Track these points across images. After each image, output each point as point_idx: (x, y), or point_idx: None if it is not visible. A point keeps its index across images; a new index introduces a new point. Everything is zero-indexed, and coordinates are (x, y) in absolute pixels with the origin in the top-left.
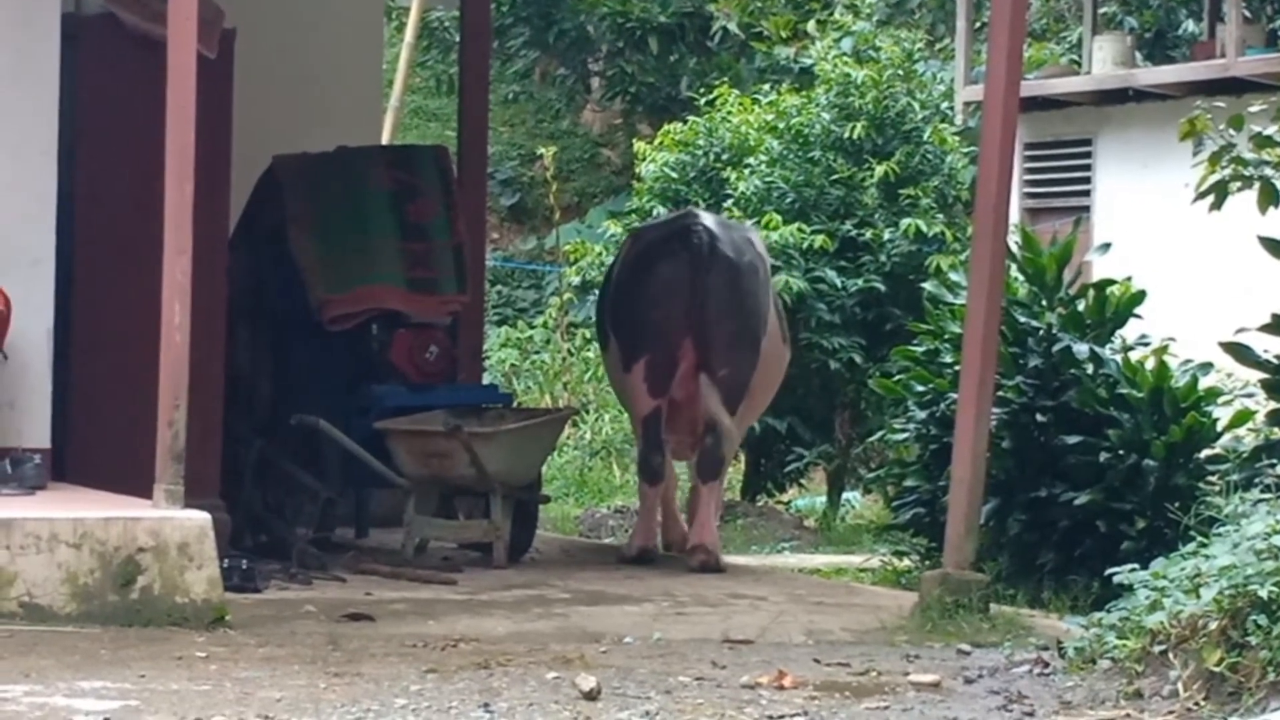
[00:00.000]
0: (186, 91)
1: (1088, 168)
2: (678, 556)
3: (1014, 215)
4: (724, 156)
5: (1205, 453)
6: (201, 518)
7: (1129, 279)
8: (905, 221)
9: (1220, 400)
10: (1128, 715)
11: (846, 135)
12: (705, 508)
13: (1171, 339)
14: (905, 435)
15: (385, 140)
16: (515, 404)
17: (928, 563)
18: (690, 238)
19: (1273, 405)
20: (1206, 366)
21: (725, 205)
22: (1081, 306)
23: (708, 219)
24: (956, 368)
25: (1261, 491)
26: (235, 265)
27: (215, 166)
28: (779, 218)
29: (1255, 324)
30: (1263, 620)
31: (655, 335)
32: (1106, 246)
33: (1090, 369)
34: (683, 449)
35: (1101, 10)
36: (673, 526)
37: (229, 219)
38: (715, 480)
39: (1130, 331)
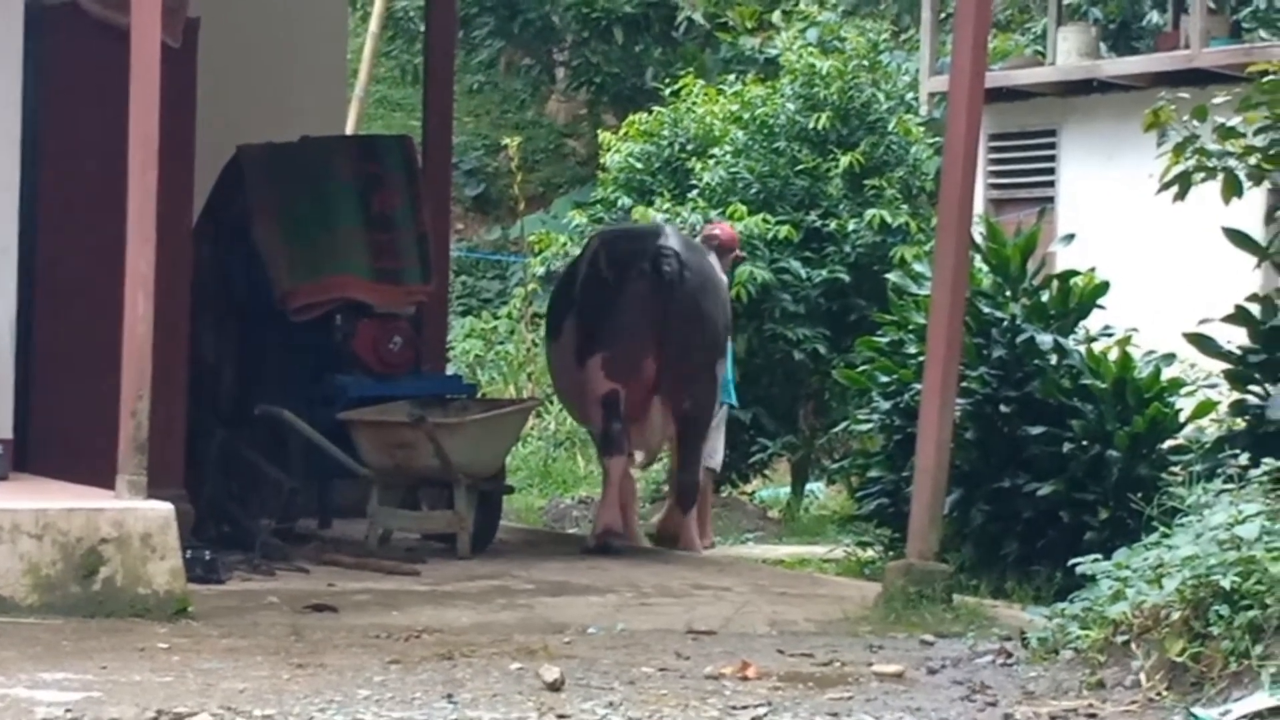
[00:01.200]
0: (150, 80)
1: (1052, 159)
2: (640, 547)
3: (978, 206)
4: (689, 147)
5: (1168, 443)
6: (164, 508)
7: (1093, 270)
8: (870, 212)
9: (1183, 391)
10: (1090, 705)
11: (811, 126)
12: (687, 531)
13: (1135, 330)
14: (869, 426)
15: (350, 130)
16: (479, 395)
17: (891, 553)
18: (661, 264)
19: (1235, 396)
20: (1170, 357)
21: (690, 196)
22: (1045, 297)
23: (676, 239)
24: (921, 358)
25: (1224, 482)
26: (199, 255)
27: (179, 156)
28: (744, 208)
29: (1219, 315)
30: (1225, 610)
31: (618, 339)
32: (1070, 237)
33: (1054, 360)
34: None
35: (1066, 1)
36: (628, 522)
37: (193, 209)
38: (693, 507)
39: (1094, 322)
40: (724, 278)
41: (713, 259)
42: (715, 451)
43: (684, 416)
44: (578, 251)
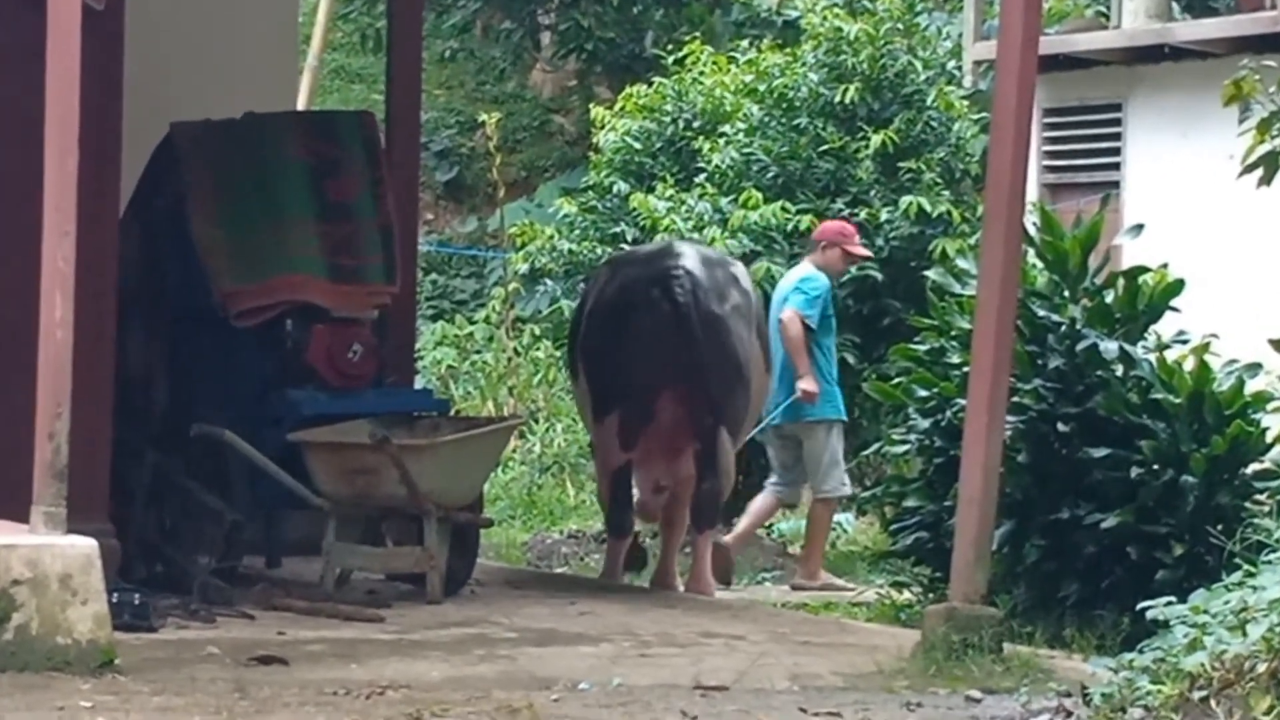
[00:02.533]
0: (70, 50)
1: (1117, 136)
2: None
3: (1032, 192)
4: (695, 124)
5: (1252, 467)
6: (87, 545)
7: (1165, 266)
8: (905, 200)
9: (1270, 407)
10: None
11: (837, 99)
12: (702, 560)
13: (1214, 336)
14: (906, 448)
15: (301, 105)
16: (453, 412)
17: (931, 595)
18: (672, 286)
19: None
20: (1254, 368)
21: (697, 181)
22: (1110, 298)
23: (690, 258)
24: (965, 369)
25: None
26: (127, 251)
27: (103, 137)
28: (759, 195)
29: None
30: None
31: (631, 389)
32: (1139, 228)
33: (1120, 370)
34: (648, 507)
35: None
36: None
37: (120, 197)
38: (712, 528)
39: (1166, 327)
40: (752, 291)
41: (740, 275)
42: (830, 478)
43: (705, 429)
44: (567, 246)
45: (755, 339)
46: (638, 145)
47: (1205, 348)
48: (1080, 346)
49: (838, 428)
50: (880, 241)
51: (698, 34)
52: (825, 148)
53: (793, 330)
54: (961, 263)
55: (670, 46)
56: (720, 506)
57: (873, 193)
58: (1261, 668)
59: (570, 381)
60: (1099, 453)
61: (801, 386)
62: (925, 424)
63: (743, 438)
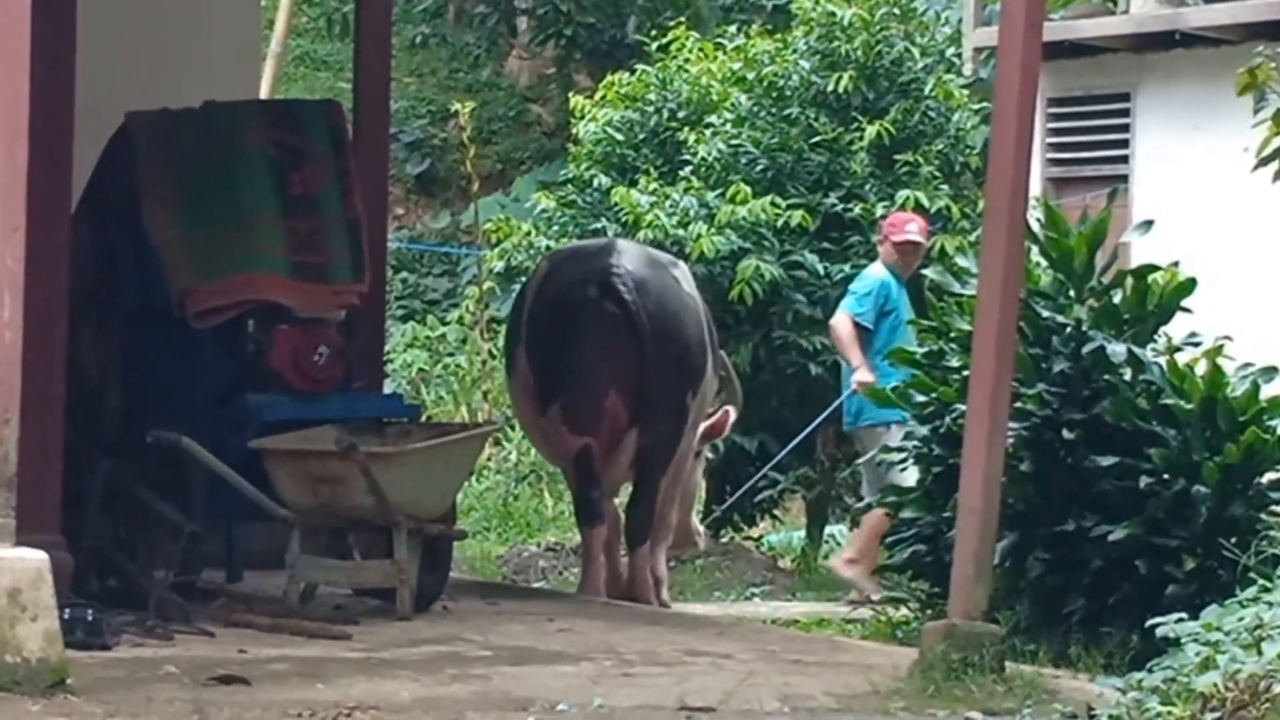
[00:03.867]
0: (18, 32)
1: (1125, 128)
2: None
3: (1035, 187)
4: (680, 114)
5: (1268, 477)
6: (37, 558)
7: (1175, 264)
8: (902, 194)
9: None
10: None
11: (830, 88)
12: (641, 579)
13: (1228, 338)
14: (902, 456)
15: (264, 93)
16: (424, 418)
17: (929, 612)
18: (614, 286)
19: None
20: (1270, 372)
21: (682, 174)
22: (1117, 298)
23: (630, 257)
24: (965, 373)
25: None
26: (79, 247)
27: (55, 127)
28: (748, 189)
29: None
30: None
31: (574, 382)
32: (1148, 224)
33: (1128, 374)
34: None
35: None
36: (614, 578)
37: (71, 191)
38: (644, 545)
39: (1177, 329)
40: (695, 293)
41: (682, 276)
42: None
43: (642, 450)
44: (545, 243)
45: (707, 344)
46: (619, 136)
47: (1218, 350)
48: (1086, 349)
49: (898, 430)
50: (875, 238)
51: (683, 19)
52: (817, 139)
53: (840, 330)
54: (961, 261)
55: (654, 32)
56: (647, 522)
57: (867, 187)
58: (1277, 688)
59: (506, 380)
60: (1106, 461)
61: (856, 379)
62: (923, 431)
63: (689, 440)
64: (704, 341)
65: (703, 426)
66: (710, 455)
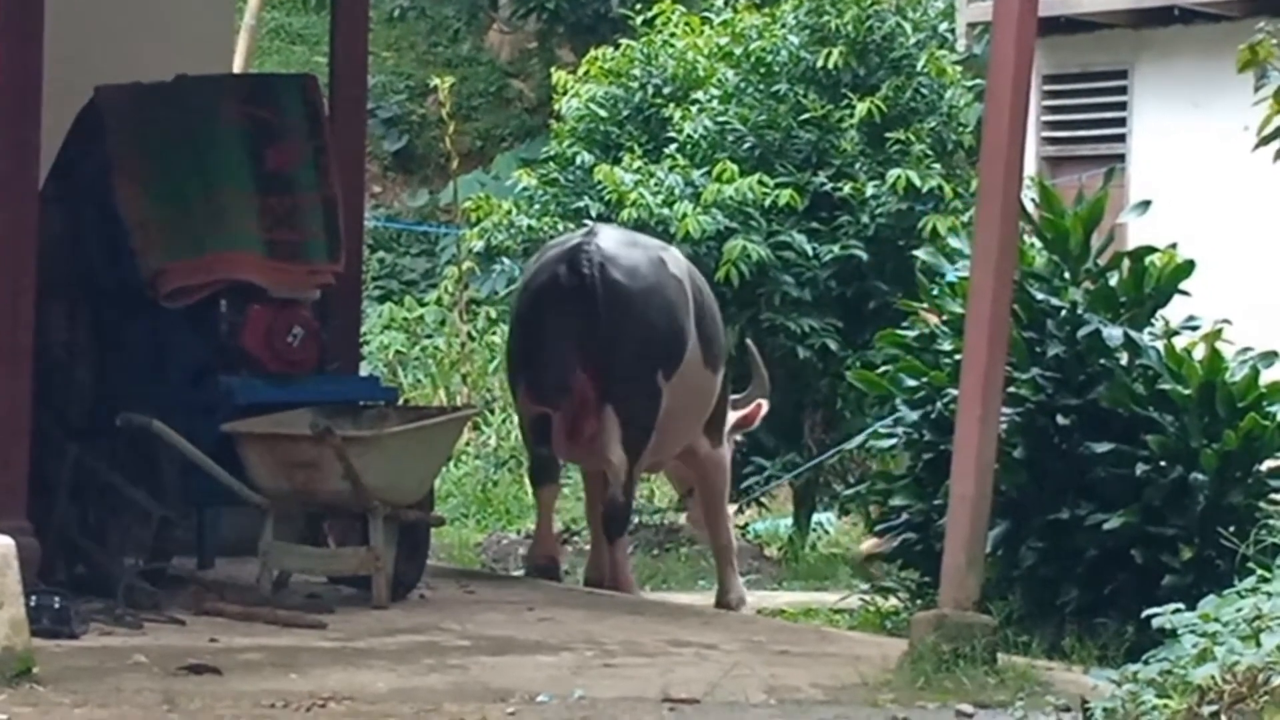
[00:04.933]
0: None
1: (1123, 106)
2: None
3: (1030, 166)
4: (665, 90)
5: (1267, 464)
6: (3, 544)
7: (1173, 246)
8: (893, 173)
9: None
10: None
11: (820, 64)
12: (619, 569)
13: (1226, 321)
14: (892, 442)
15: (237, 67)
16: (401, 401)
17: (920, 602)
18: (579, 260)
19: None
20: (1270, 357)
21: (667, 152)
22: (1114, 281)
23: (608, 238)
24: (957, 357)
25: None
26: (47, 225)
27: (22, 101)
28: (734, 168)
29: None
30: None
31: (536, 356)
32: (1146, 205)
33: (1124, 359)
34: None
35: None
36: (544, 543)
37: (39, 166)
38: (621, 537)
39: (1175, 312)
40: (685, 276)
41: (671, 259)
42: None
43: (621, 421)
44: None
45: (690, 327)
46: (603, 113)
47: (1217, 334)
48: (1082, 333)
49: None
50: (866, 218)
51: None
52: (806, 116)
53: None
54: (954, 242)
55: (638, 6)
56: (624, 513)
57: (858, 165)
58: (1276, 680)
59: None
60: (1102, 448)
61: None
62: (914, 416)
63: (678, 437)
64: (681, 324)
65: (733, 417)
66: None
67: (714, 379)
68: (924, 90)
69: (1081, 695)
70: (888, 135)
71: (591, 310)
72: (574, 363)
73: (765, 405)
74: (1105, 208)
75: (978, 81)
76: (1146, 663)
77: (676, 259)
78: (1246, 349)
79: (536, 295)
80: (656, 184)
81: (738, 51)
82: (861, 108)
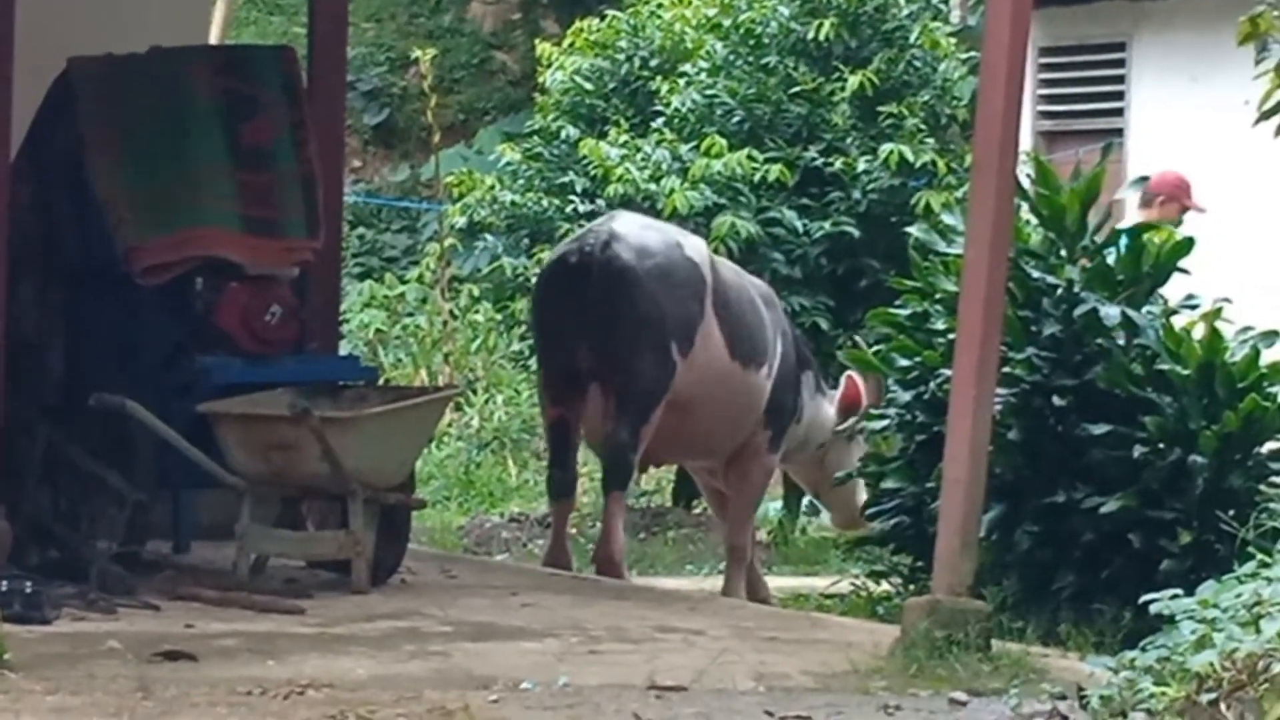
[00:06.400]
0: None
1: (1120, 79)
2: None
3: (1025, 141)
4: (652, 63)
5: (1268, 446)
6: None
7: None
8: (886, 148)
9: None
10: None
11: (811, 36)
12: (612, 518)
13: (1226, 300)
14: (884, 423)
15: (214, 38)
16: (381, 381)
17: (912, 587)
18: (585, 239)
19: None
20: (1271, 336)
21: (654, 126)
22: (1111, 258)
23: (624, 221)
24: (951, 336)
25: None
26: (18, 201)
27: None
28: (723, 142)
29: None
30: None
31: (549, 343)
32: (1143, 180)
33: (1122, 338)
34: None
35: None
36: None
37: (10, 140)
38: (619, 490)
39: (1174, 291)
40: (705, 264)
41: (690, 245)
42: None
43: (616, 388)
44: (510, 198)
45: (709, 315)
46: (588, 86)
47: (1217, 313)
48: (1078, 311)
49: None
50: (858, 194)
51: None
52: (797, 90)
53: None
54: (947, 218)
55: None
56: (620, 466)
57: (849, 140)
58: (1276, 668)
59: None
60: (1098, 429)
61: None
62: (906, 397)
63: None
64: (688, 305)
65: (835, 398)
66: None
67: (748, 376)
68: (917, 63)
69: (1077, 683)
70: (880, 109)
71: (590, 284)
72: (582, 353)
73: (860, 379)
74: (1102, 184)
75: (972, 54)
76: (1144, 649)
77: (698, 248)
78: (1247, 328)
79: (545, 277)
80: (643, 159)
81: (726, 23)
82: (853, 81)
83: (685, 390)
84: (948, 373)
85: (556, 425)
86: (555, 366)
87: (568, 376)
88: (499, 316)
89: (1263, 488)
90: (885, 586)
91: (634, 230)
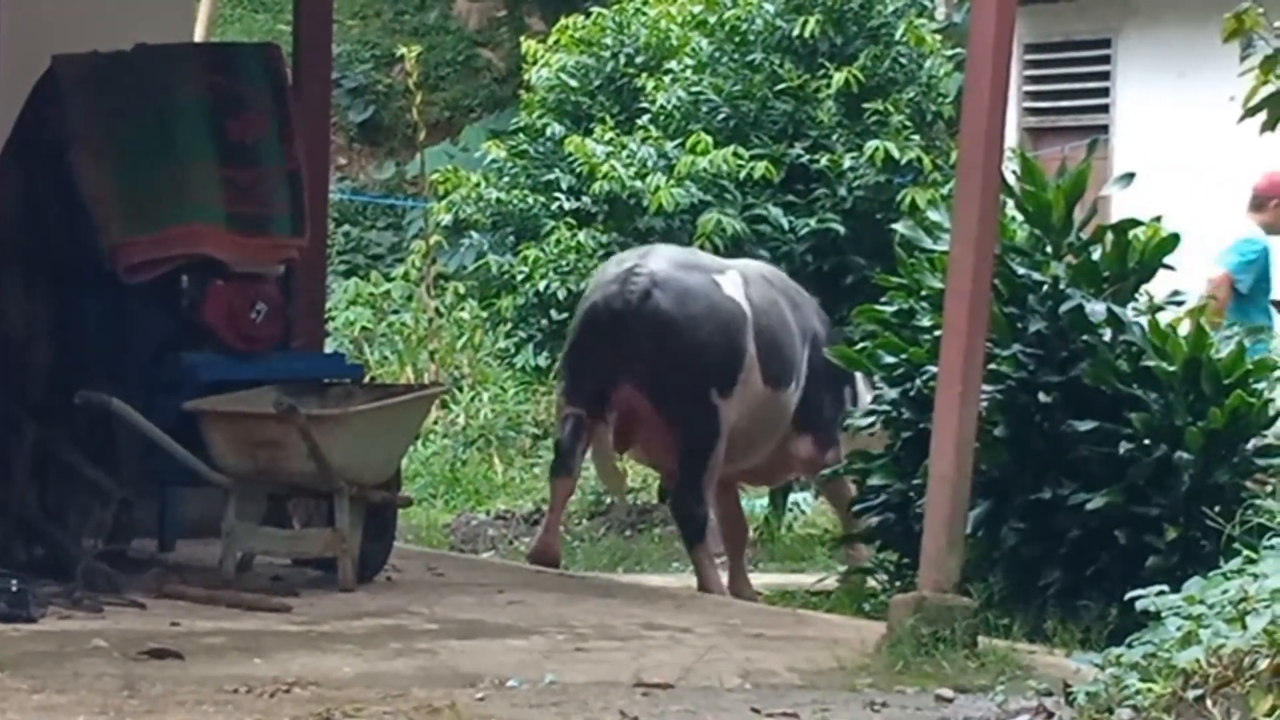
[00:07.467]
0: None
1: (1106, 76)
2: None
3: (1011, 137)
4: (638, 60)
5: (1254, 443)
6: None
7: (1158, 219)
8: (871, 145)
9: (1275, 376)
10: None
11: (796, 33)
12: (702, 567)
13: (1213, 297)
14: (870, 420)
15: (199, 36)
16: (367, 378)
17: (898, 584)
18: (628, 283)
19: None
20: (1256, 332)
21: (640, 123)
22: (1097, 255)
23: (661, 258)
24: (937, 333)
25: None
26: (3, 198)
27: None
28: (709, 139)
29: None
30: None
31: (580, 375)
32: (1129, 177)
33: (1107, 335)
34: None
35: None
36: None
37: None
38: (699, 543)
39: (1160, 287)
40: (742, 298)
41: (727, 281)
42: None
43: (674, 440)
44: (495, 195)
45: (750, 346)
46: (574, 83)
47: (1202, 310)
48: (1064, 308)
49: None
50: (843, 191)
51: None
52: (782, 87)
53: (1220, 294)
54: (933, 215)
55: None
56: (696, 520)
57: (835, 137)
58: (1262, 664)
59: None
60: (1084, 426)
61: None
62: (892, 393)
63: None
64: (737, 344)
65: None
66: None
67: (776, 396)
68: (903, 60)
69: (1064, 679)
70: (865, 106)
71: (635, 335)
72: (618, 380)
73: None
74: (1088, 180)
75: (957, 51)
76: (1130, 646)
77: (734, 281)
78: (1232, 324)
79: (586, 316)
80: (629, 156)
81: (712, 20)
82: (839, 78)
83: (730, 423)
84: (934, 369)
85: (571, 420)
86: (583, 386)
87: (595, 397)
88: (484, 314)
89: (1248, 484)
90: (871, 583)
91: (674, 274)
